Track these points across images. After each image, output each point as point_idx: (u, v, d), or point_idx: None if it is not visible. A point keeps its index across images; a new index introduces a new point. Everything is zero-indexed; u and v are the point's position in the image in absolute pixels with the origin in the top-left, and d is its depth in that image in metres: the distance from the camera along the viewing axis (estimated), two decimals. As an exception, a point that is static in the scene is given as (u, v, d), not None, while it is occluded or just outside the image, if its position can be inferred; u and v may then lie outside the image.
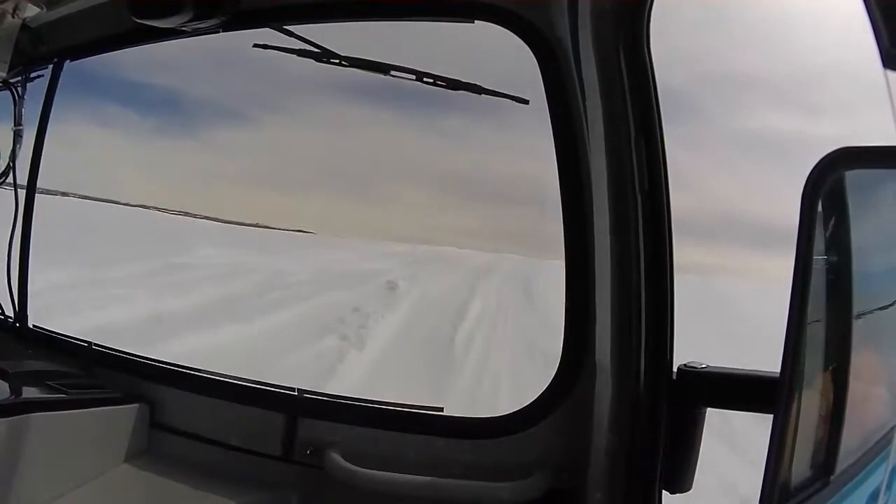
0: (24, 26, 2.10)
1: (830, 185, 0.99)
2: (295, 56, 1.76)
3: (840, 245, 1.06)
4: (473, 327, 8.86)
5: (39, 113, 2.19)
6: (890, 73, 0.81)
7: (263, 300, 9.27)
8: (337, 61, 1.76)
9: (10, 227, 2.21)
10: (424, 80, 1.69)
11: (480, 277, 13.52)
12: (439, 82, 1.68)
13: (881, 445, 1.06)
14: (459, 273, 13.89)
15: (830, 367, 1.07)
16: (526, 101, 1.64)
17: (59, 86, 2.16)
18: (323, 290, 10.62)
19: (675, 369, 1.37)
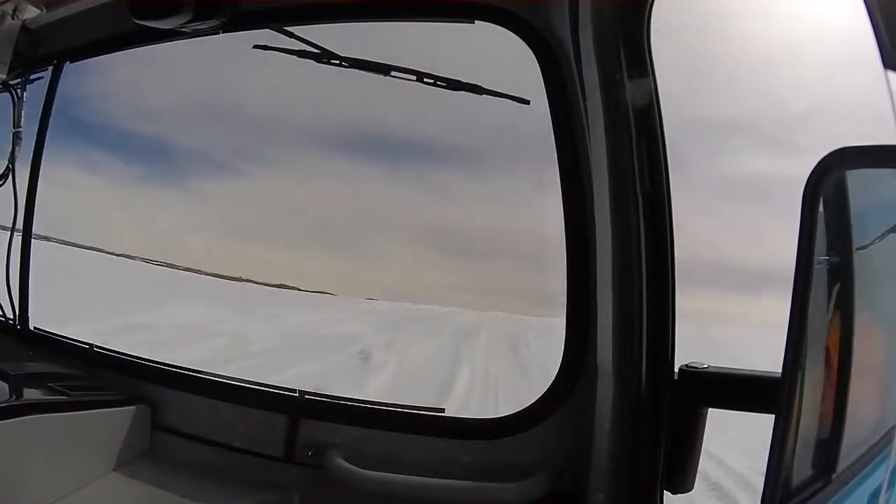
0: (24, 28, 2.11)
1: (831, 184, 0.99)
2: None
3: (841, 244, 1.06)
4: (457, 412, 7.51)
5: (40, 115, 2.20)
6: (891, 73, 0.81)
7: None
8: (337, 62, 1.76)
9: (10, 229, 2.21)
10: (425, 80, 1.69)
11: (466, 340, 12.03)
12: (440, 83, 1.68)
13: (882, 444, 1.06)
14: (443, 336, 12.38)
15: (831, 367, 1.07)
16: (527, 102, 1.64)
17: (58, 89, 2.16)
18: (288, 361, 9.29)
19: (676, 370, 1.37)
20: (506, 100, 1.66)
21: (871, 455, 1.06)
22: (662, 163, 1.36)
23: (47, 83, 2.18)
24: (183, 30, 1.75)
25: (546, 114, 1.53)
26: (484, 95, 1.67)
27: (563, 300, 1.53)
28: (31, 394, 1.72)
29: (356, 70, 1.75)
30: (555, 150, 1.53)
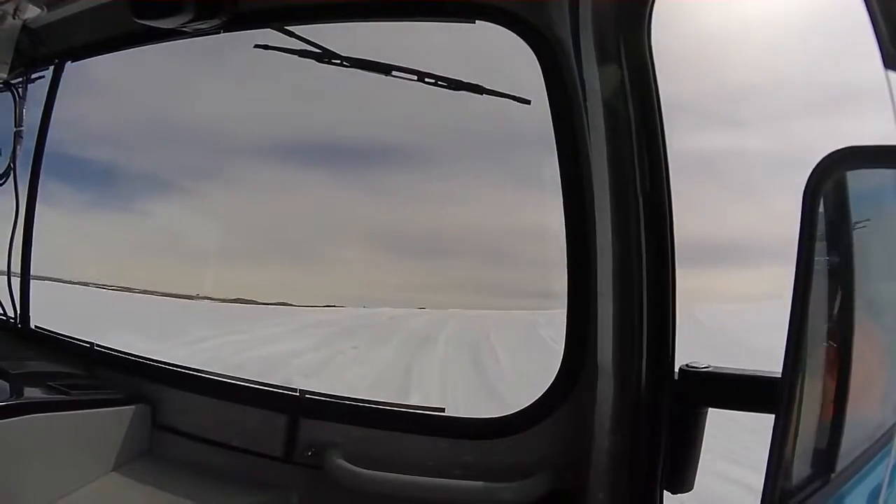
0: (25, 27, 2.11)
1: (832, 184, 0.99)
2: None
3: (841, 245, 1.06)
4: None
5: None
6: (891, 73, 0.81)
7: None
8: (338, 62, 1.76)
9: (11, 228, 2.22)
10: (426, 80, 1.69)
11: (419, 350, 10.81)
12: (441, 83, 1.68)
13: (882, 443, 1.06)
14: (392, 344, 11.30)
15: (831, 367, 1.07)
16: (528, 102, 1.64)
17: (59, 87, 2.17)
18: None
19: (676, 369, 1.37)
20: (493, 101, 1.66)
21: (871, 454, 1.06)
22: (662, 163, 1.37)
23: (48, 83, 2.18)
24: (184, 29, 1.75)
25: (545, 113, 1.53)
26: (485, 95, 1.67)
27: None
28: (31, 393, 1.72)
29: (357, 70, 1.75)
30: (555, 149, 1.53)
